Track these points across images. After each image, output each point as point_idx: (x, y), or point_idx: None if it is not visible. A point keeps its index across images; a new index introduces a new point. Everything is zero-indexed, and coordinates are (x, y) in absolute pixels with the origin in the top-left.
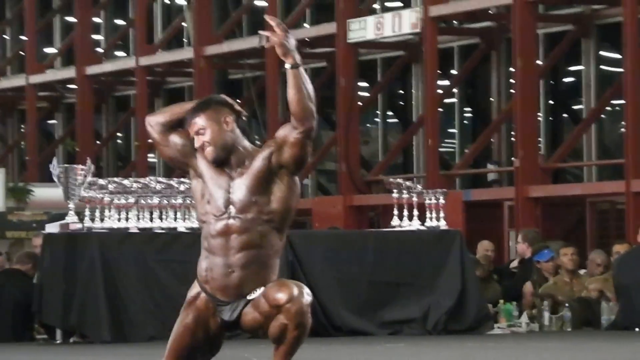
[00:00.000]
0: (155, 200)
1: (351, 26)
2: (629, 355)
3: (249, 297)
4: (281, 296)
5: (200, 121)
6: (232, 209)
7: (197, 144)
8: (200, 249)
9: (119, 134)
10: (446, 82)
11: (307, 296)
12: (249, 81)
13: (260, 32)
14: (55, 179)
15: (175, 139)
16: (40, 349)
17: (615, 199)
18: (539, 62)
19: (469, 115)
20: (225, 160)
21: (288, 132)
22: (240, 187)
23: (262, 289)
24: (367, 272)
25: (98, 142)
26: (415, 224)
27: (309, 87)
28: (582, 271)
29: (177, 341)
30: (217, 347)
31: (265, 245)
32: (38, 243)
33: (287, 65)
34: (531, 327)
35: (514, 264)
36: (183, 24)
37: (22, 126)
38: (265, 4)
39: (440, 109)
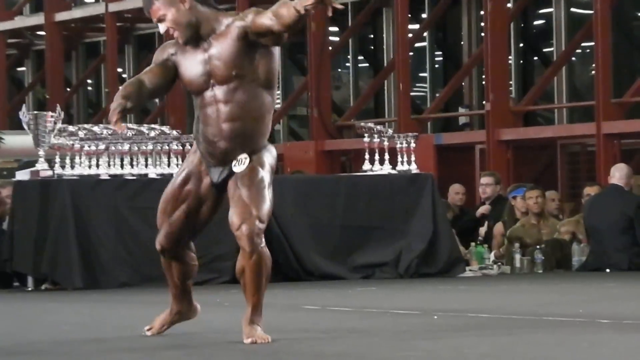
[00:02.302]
0: (126, 146)
1: None
2: (599, 296)
3: (233, 168)
4: (235, 220)
5: (157, 8)
6: (213, 81)
7: (162, 31)
8: None
9: (89, 81)
10: (417, 26)
11: (259, 223)
12: None
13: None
14: (25, 126)
15: (162, 72)
16: (12, 297)
17: (586, 141)
18: (509, 5)
19: (440, 59)
20: (196, 36)
21: (264, 20)
22: (218, 58)
23: (247, 162)
24: (338, 217)
25: (68, 89)
26: (387, 168)
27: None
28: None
29: (168, 196)
30: (209, 214)
31: (250, 115)
32: (6, 194)
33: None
34: (502, 270)
35: (484, 210)
36: None
37: None
38: None
39: (411, 53)
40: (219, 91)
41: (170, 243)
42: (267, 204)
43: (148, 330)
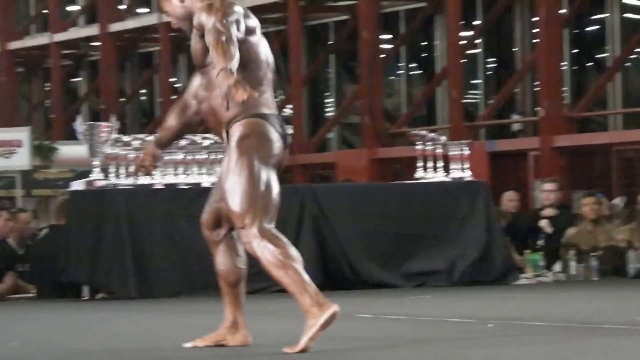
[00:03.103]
0: (180, 155)
1: None
2: None
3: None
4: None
5: (162, 3)
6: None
7: (172, 24)
8: None
9: (142, 91)
10: (469, 33)
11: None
12: (271, 35)
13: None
14: (80, 136)
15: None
16: (68, 306)
17: None
18: (562, 10)
19: (493, 65)
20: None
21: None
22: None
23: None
24: (391, 225)
25: (122, 99)
26: (440, 176)
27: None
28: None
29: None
30: None
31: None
32: (63, 202)
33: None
34: (557, 277)
35: (549, 212)
36: None
37: (47, 84)
38: None
39: (463, 60)
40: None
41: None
42: (232, 206)
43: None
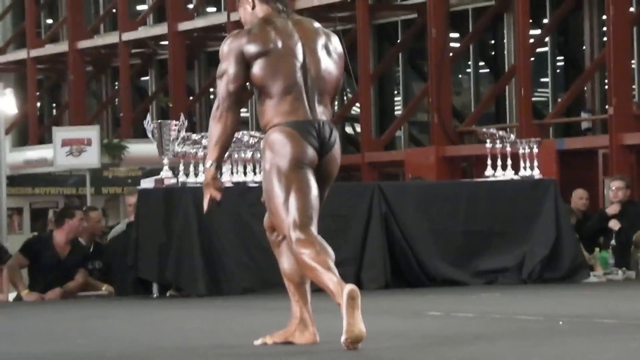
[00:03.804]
0: (249, 154)
1: None
2: None
3: None
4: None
5: (238, 4)
6: None
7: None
8: None
9: (211, 89)
10: (538, 31)
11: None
12: (339, 34)
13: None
14: (149, 134)
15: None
16: (138, 303)
17: None
18: (631, 9)
19: (561, 63)
20: None
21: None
22: None
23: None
24: (460, 222)
25: (191, 97)
26: (509, 174)
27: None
28: None
29: None
30: None
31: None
32: (132, 201)
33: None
34: (627, 275)
35: (613, 210)
36: None
37: (116, 83)
38: None
39: (532, 58)
40: None
41: None
42: (270, 212)
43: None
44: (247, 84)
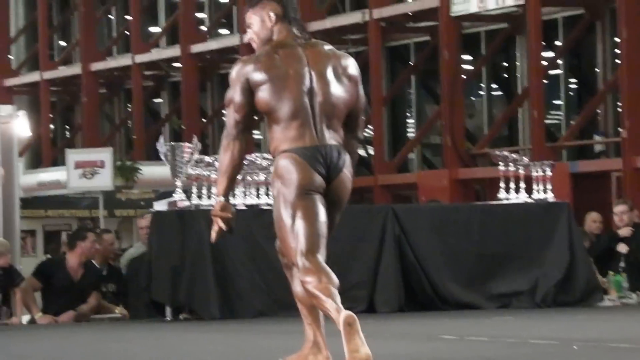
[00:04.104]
0: (262, 176)
1: None
2: None
3: None
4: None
5: (248, 17)
6: None
7: (245, 39)
8: None
9: (223, 111)
10: (550, 54)
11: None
12: (351, 56)
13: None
14: (162, 157)
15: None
16: (152, 326)
17: None
18: None
19: (574, 86)
20: None
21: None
22: None
23: None
24: (474, 245)
25: (203, 119)
26: (522, 197)
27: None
28: None
29: None
30: None
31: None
32: (144, 224)
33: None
34: None
35: (625, 232)
36: None
37: (129, 105)
38: None
39: (545, 81)
40: None
41: None
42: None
43: None
44: (255, 111)
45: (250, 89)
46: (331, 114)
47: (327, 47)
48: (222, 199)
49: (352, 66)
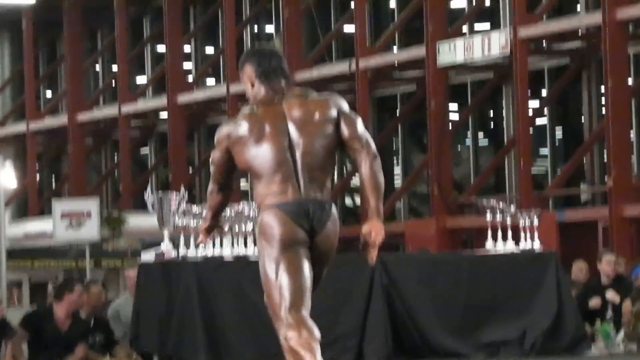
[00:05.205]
0: (250, 226)
1: (441, 49)
2: None
3: None
4: None
5: (240, 78)
6: None
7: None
8: None
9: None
10: (537, 103)
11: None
12: None
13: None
14: (150, 207)
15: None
16: None
17: None
18: (630, 81)
19: (561, 135)
20: None
21: None
22: None
23: None
24: (462, 294)
25: (190, 169)
26: (510, 246)
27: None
28: None
29: None
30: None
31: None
32: (132, 275)
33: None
34: (629, 348)
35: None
36: None
37: (116, 155)
38: (353, 28)
39: (531, 130)
40: None
41: None
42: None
43: None
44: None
45: (228, 150)
46: (313, 166)
47: (311, 96)
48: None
49: (332, 105)
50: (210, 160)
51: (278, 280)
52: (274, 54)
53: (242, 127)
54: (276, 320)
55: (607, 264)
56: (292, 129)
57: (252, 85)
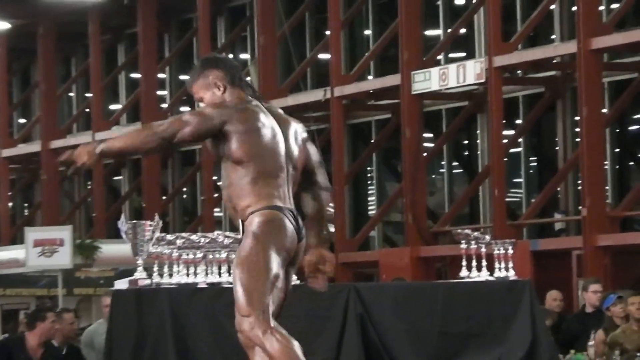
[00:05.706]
0: (224, 254)
1: (415, 78)
2: None
3: None
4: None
5: (196, 92)
6: None
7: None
8: None
9: (184, 189)
10: (511, 132)
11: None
12: (313, 134)
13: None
14: (123, 235)
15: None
16: None
17: None
18: (604, 110)
19: (535, 164)
20: None
21: None
22: None
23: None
24: (437, 324)
25: (164, 197)
26: (484, 275)
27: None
28: None
29: None
30: None
31: (225, 185)
32: (108, 302)
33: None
34: None
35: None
36: (248, 78)
37: (89, 183)
38: (328, 56)
39: (506, 159)
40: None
41: None
42: (238, 294)
43: None
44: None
45: (224, 124)
46: (295, 181)
47: (280, 110)
48: (99, 151)
49: (300, 128)
50: (193, 112)
51: (269, 283)
52: (234, 63)
53: (253, 115)
54: (248, 348)
55: (594, 294)
56: (287, 140)
57: (219, 89)
